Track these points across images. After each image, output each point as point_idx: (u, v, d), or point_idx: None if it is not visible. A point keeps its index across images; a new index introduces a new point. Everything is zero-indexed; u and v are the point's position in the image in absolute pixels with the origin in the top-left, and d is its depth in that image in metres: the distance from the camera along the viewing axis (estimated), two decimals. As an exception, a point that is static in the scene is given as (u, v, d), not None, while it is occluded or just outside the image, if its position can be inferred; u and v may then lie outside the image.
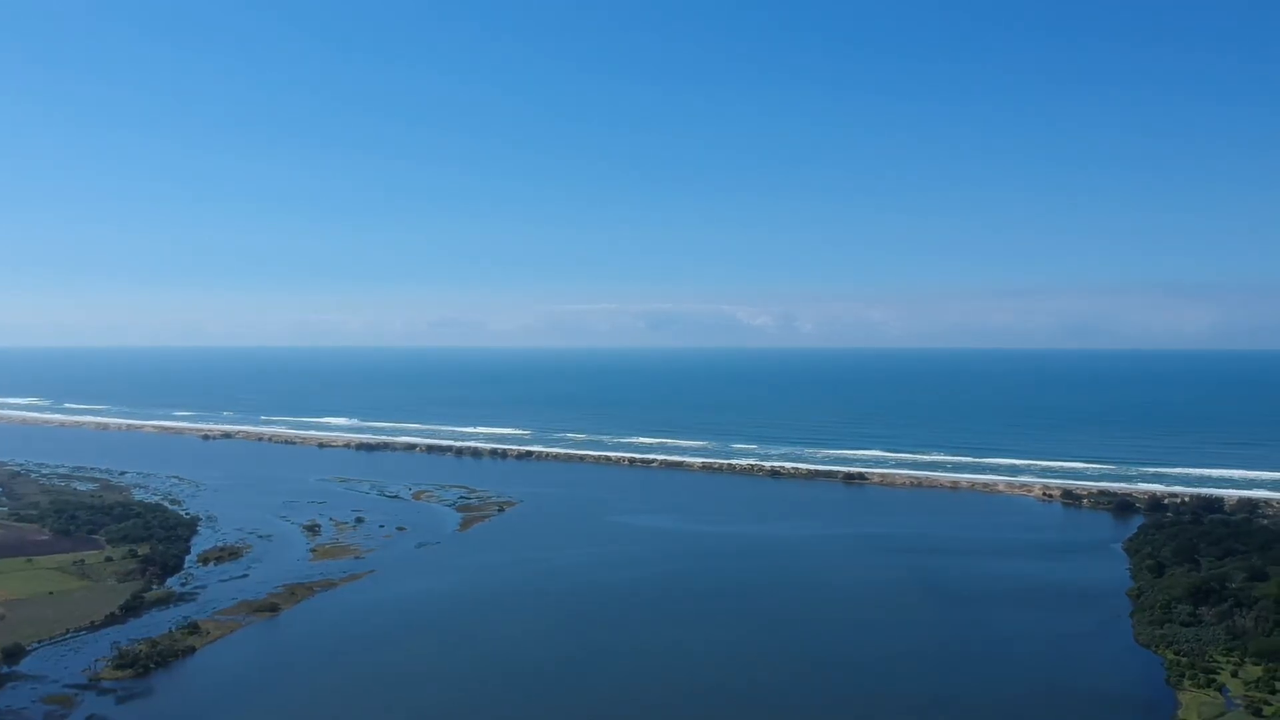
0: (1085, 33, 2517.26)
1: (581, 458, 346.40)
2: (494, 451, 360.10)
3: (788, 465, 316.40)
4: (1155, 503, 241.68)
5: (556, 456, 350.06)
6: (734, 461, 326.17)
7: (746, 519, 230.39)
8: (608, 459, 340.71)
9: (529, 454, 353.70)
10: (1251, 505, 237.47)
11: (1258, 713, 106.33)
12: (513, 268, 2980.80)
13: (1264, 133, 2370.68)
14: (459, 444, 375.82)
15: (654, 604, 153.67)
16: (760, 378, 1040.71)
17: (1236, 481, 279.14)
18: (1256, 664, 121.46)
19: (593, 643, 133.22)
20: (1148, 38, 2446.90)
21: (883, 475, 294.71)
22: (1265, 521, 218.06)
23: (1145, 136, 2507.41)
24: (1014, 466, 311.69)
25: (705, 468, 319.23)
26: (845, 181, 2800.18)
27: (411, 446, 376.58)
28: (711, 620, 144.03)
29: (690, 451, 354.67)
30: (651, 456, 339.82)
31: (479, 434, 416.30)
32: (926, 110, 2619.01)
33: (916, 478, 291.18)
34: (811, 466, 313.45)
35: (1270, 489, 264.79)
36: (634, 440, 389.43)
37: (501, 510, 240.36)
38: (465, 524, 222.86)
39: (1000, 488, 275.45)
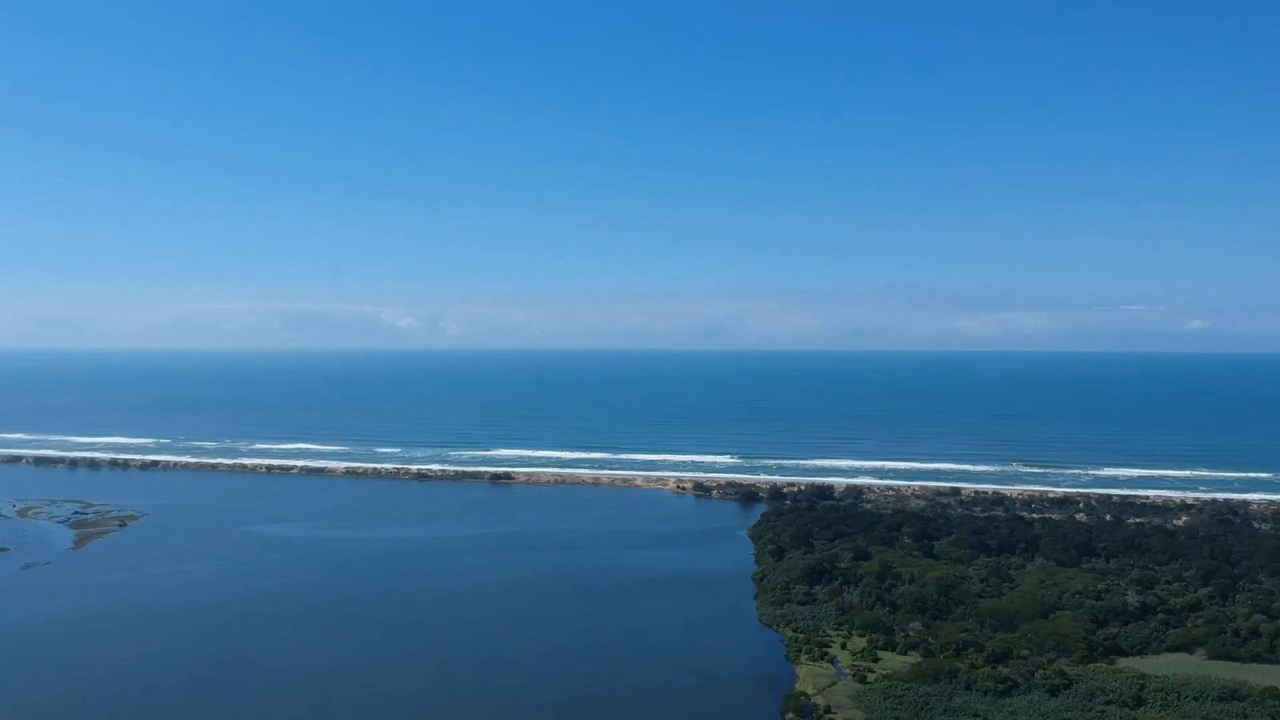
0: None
1: (214, 466, 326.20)
2: (114, 462, 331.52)
3: (434, 467, 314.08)
4: (776, 492, 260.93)
5: (186, 466, 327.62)
6: (379, 466, 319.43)
7: (392, 523, 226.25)
8: (243, 467, 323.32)
9: (154, 464, 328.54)
10: (857, 491, 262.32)
11: (863, 680, 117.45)
12: (130, 260, 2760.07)
13: (861, 152, 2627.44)
14: (73, 455, 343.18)
15: (292, 616, 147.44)
16: (405, 379, 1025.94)
17: (844, 471, 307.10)
18: (862, 635, 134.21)
19: (225, 659, 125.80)
20: (758, 56, 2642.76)
21: (528, 474, 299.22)
22: (869, 505, 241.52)
23: (756, 149, 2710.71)
24: (650, 461, 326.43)
25: (349, 473, 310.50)
26: (489, 184, 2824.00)
27: (15, 459, 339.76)
28: (352, 628, 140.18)
29: (332, 456, 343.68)
30: (291, 463, 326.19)
31: (98, 444, 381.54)
32: (559, 118, 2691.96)
33: (560, 475, 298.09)
34: (458, 468, 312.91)
35: (872, 476, 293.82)
36: (271, 446, 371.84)
37: (123, 525, 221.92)
38: (81, 541, 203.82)
39: (638, 482, 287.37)
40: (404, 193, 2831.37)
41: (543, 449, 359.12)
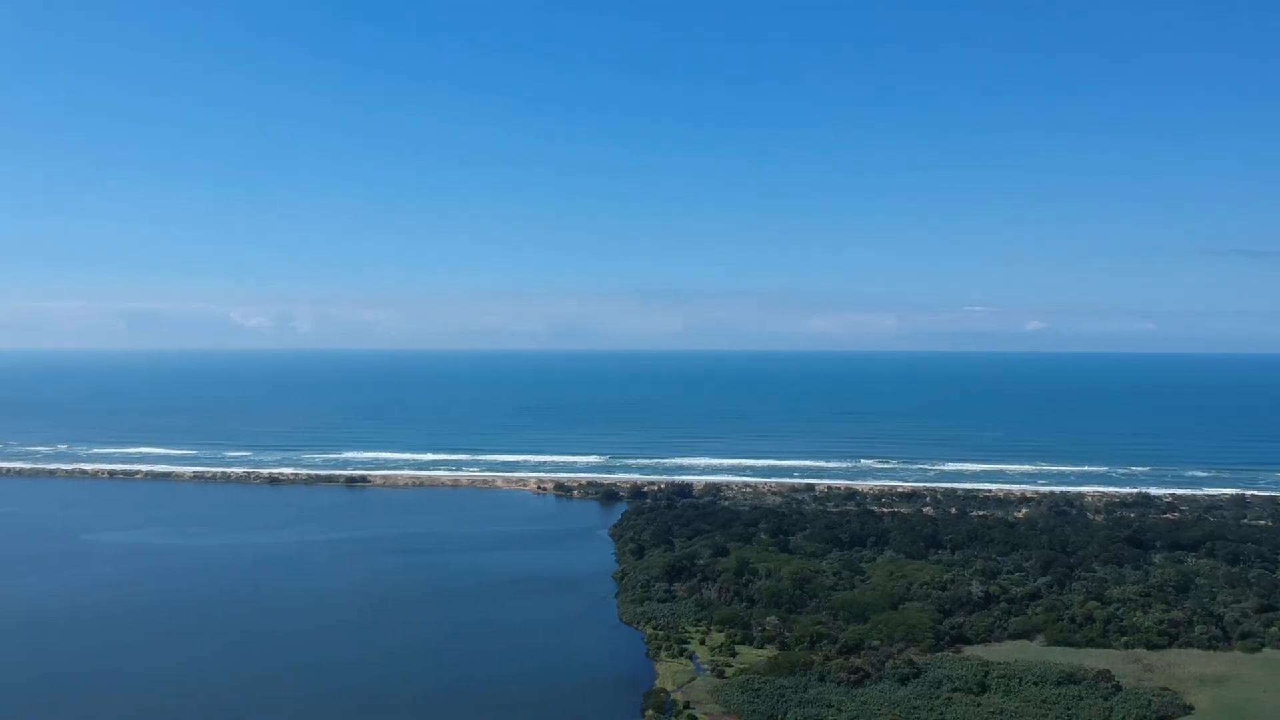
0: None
1: (52, 472, 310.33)
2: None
3: (287, 471, 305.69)
4: (637, 491, 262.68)
5: (20, 472, 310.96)
6: (229, 470, 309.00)
7: (244, 529, 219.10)
8: (83, 472, 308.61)
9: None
10: (716, 489, 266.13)
11: (721, 674, 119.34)
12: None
13: (714, 158, 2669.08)
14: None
15: (136, 626, 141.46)
16: (255, 380, 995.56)
17: (703, 469, 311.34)
18: (720, 631, 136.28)
19: (60, 675, 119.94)
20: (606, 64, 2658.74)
21: (385, 477, 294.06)
22: (727, 503, 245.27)
23: (612, 152, 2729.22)
24: (510, 462, 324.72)
25: (197, 477, 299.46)
26: (339, 181, 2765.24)
27: None
28: (201, 639, 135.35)
29: (179, 460, 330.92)
30: (135, 468, 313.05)
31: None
32: (410, 116, 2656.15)
33: (419, 477, 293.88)
34: (311, 471, 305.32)
35: (730, 474, 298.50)
36: (113, 451, 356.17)
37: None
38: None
39: (499, 483, 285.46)
40: (251, 189, 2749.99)
41: (399, 451, 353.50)
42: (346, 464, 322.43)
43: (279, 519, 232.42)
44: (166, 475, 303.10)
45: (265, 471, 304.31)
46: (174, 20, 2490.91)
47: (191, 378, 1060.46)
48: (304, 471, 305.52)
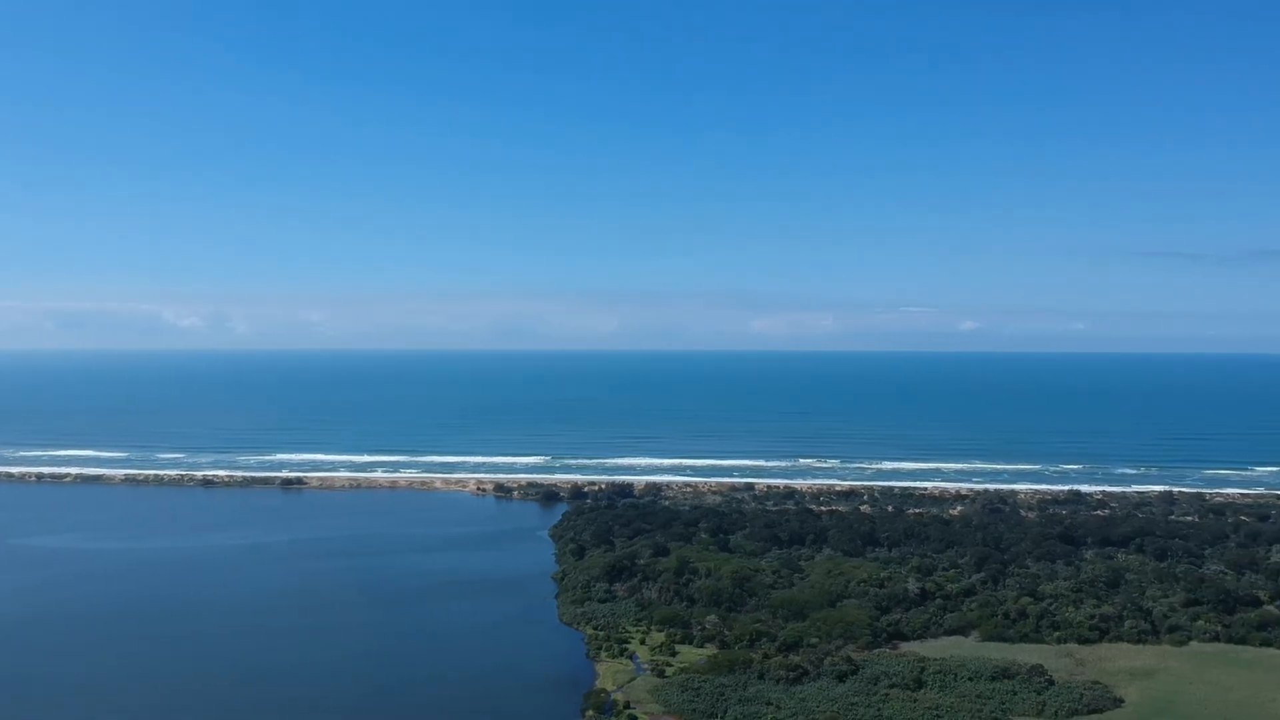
0: (473, 56, 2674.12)
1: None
2: None
3: (221, 473, 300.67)
4: (577, 491, 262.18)
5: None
6: (161, 472, 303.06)
7: (177, 532, 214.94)
8: (9, 475, 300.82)
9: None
10: (657, 489, 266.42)
11: (661, 674, 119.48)
12: None
13: (655, 159, 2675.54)
14: None
15: (65, 631, 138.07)
16: (189, 381, 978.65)
17: (644, 469, 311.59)
18: (660, 630, 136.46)
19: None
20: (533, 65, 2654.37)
21: (322, 479, 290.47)
22: (667, 503, 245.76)
23: (552, 153, 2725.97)
24: (450, 463, 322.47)
25: (128, 480, 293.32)
26: (275, 179, 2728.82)
27: None
28: (132, 644, 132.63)
29: (110, 463, 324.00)
30: (64, 470, 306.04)
31: None
32: (350, 113, 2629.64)
33: (356, 479, 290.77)
34: (247, 474, 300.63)
35: (671, 474, 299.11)
36: (41, 453, 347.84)
37: None
38: None
39: (438, 484, 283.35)
40: (184, 188, 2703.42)
41: (336, 452, 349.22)
42: (282, 466, 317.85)
43: (213, 522, 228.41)
44: (97, 478, 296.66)
45: (199, 474, 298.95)
46: (89, 17, 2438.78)
47: (124, 378, 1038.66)
48: (239, 473, 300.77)
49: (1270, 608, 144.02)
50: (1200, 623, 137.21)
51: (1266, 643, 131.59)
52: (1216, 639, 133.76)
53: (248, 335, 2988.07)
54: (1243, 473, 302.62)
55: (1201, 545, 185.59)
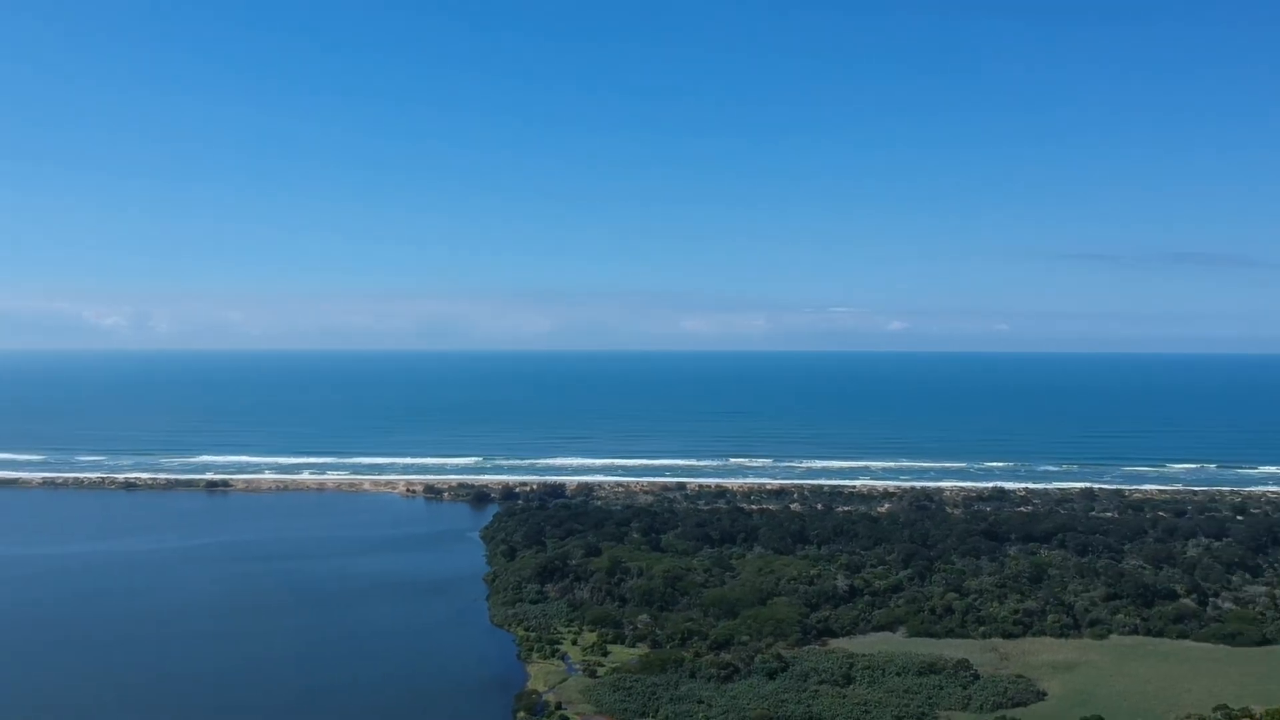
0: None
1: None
2: None
3: (143, 476, 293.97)
4: (508, 492, 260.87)
5: None
6: (81, 475, 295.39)
7: (96, 537, 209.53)
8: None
9: None
10: (588, 489, 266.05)
11: (593, 674, 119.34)
12: None
13: (582, 161, 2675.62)
14: None
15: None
16: (110, 382, 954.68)
17: (576, 469, 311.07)
18: (592, 631, 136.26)
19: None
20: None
21: (247, 481, 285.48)
22: (599, 503, 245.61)
23: (476, 152, 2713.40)
24: (378, 465, 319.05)
25: (46, 484, 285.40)
26: (193, 178, 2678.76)
27: None
28: (46, 653, 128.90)
29: (26, 466, 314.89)
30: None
31: None
32: (271, 112, 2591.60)
33: (283, 481, 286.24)
34: (170, 476, 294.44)
35: (603, 474, 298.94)
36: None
37: None
38: None
39: (366, 486, 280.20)
40: (101, 185, 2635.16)
41: (262, 454, 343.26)
42: (206, 468, 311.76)
43: (134, 526, 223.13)
44: (12, 482, 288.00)
45: (120, 477, 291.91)
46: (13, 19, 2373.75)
47: (40, 379, 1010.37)
48: (161, 476, 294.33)
49: (1186, 601, 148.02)
50: (1120, 616, 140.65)
51: (1183, 635, 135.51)
52: (1135, 632, 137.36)
53: (170, 335, 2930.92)
54: (1159, 469, 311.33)
55: (1121, 540, 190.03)
